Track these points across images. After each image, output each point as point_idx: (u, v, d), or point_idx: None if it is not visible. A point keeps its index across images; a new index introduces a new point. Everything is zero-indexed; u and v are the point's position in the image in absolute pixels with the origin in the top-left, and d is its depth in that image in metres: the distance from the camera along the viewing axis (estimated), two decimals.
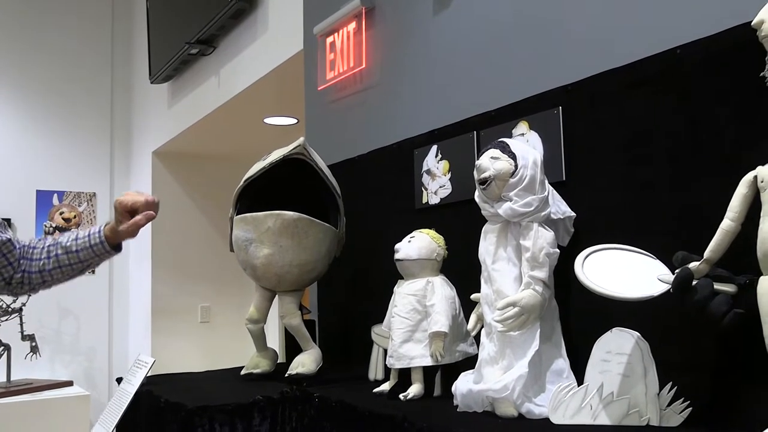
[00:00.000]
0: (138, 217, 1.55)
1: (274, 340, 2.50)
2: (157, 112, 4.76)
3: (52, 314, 4.83)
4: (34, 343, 4.29)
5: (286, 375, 1.86)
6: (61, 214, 4.98)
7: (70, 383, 4.47)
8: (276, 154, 1.91)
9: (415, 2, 2.03)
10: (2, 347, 4.15)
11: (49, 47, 5.00)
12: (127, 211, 1.56)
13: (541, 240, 1.35)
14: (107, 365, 5.06)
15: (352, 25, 2.26)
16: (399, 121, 2.08)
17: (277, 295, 1.99)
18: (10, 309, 4.21)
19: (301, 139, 1.88)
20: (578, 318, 1.45)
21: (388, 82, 2.14)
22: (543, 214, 1.38)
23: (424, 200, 1.93)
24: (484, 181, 1.39)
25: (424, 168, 1.93)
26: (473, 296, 1.50)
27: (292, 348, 2.08)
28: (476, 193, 1.45)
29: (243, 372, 2.02)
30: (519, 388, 1.29)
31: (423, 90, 1.99)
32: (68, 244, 1.61)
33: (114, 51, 5.27)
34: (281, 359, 2.22)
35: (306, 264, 1.88)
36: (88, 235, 1.62)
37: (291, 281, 1.91)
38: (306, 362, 1.88)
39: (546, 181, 1.42)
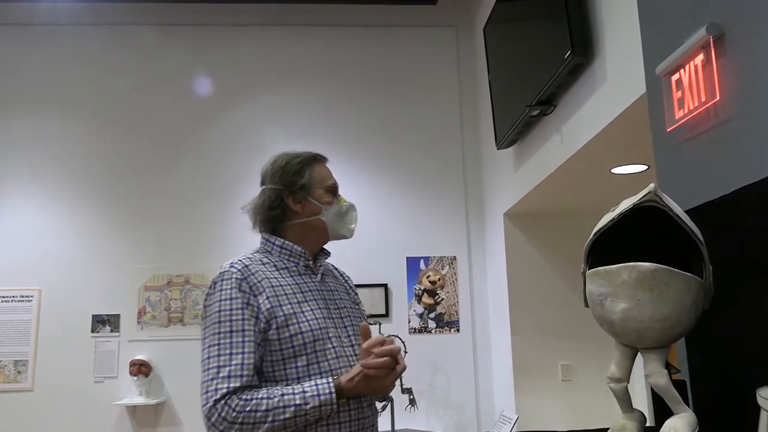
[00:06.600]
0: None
1: (642, 401, 2.35)
2: (504, 175, 5.00)
3: (425, 370, 5.29)
4: (411, 396, 4.74)
5: None
6: (427, 277, 5.49)
7: None
8: (625, 204, 1.83)
9: None
10: (387, 399, 4.66)
11: (412, 128, 5.69)
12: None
13: None
14: (476, 420, 5.31)
15: (700, 57, 2.09)
16: (767, 152, 1.83)
17: (639, 353, 1.88)
18: None
19: (652, 185, 1.78)
20: None
21: (749, 111, 1.91)
22: None
23: None
24: None
25: None
26: None
27: (661, 410, 1.92)
28: None
29: None
30: None
31: None
32: None
33: (463, 125, 5.75)
34: (649, 422, 2.07)
35: (668, 318, 1.74)
36: None
37: (653, 337, 1.78)
38: (678, 427, 1.72)
39: None
